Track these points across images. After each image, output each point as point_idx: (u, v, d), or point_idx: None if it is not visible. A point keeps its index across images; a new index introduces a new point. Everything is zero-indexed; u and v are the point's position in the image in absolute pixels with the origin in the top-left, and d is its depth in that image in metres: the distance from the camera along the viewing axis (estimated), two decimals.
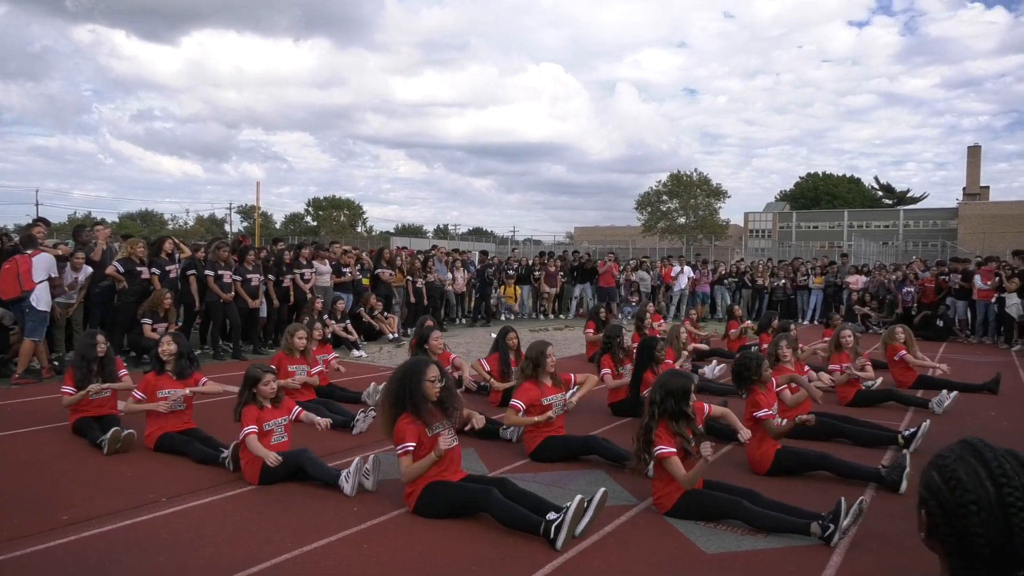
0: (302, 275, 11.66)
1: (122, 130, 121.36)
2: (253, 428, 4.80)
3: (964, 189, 68.46)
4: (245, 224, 65.03)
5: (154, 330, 9.38)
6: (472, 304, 16.54)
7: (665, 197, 60.48)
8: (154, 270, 9.80)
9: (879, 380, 8.39)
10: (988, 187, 70.14)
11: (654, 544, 3.93)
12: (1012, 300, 13.14)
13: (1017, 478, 1.32)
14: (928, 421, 6.02)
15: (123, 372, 6.12)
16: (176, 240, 11.07)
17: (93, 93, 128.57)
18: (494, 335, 8.18)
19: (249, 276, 10.71)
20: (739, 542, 3.96)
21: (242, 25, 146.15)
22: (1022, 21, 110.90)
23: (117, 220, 62.97)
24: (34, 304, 8.06)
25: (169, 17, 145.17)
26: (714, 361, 9.99)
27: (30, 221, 10.12)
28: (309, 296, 11.41)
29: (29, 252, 8.38)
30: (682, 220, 58.99)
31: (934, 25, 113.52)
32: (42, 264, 8.29)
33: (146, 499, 4.47)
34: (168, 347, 5.75)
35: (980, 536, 1.31)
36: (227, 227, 61.96)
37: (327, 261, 12.39)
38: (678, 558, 3.76)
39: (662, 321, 11.77)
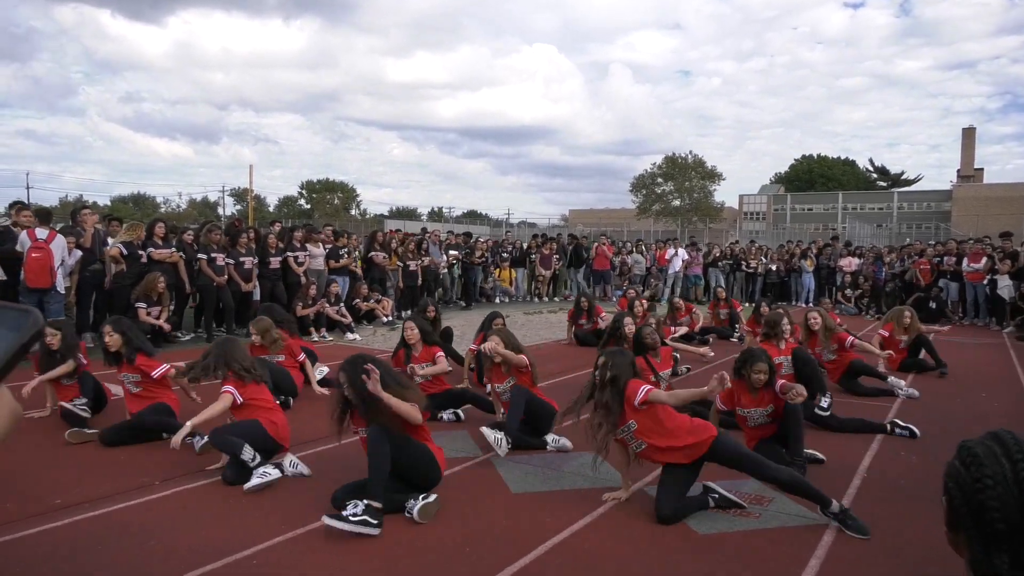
0: (296, 258, 11.61)
1: (111, 112, 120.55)
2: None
3: (958, 171, 68.45)
4: (238, 207, 64.70)
5: (148, 314, 9.35)
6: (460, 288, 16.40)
7: (660, 180, 60.37)
8: (177, 252, 9.96)
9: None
10: (982, 169, 70.22)
11: (646, 526, 3.94)
12: (1004, 282, 13.19)
13: None
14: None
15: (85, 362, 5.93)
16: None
17: (80, 74, 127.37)
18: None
19: (242, 259, 10.67)
20: (731, 523, 3.98)
21: (229, 4, 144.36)
22: (1017, 2, 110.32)
23: (109, 203, 62.61)
24: (58, 288, 8.41)
25: None
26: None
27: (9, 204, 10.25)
28: (303, 280, 11.39)
29: (44, 239, 8.43)
30: (677, 202, 58.95)
31: (928, 7, 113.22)
32: (59, 247, 8.57)
33: (138, 483, 4.47)
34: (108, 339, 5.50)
35: (996, 511, 1.31)
36: (220, 210, 61.62)
37: (320, 244, 12.35)
38: (670, 540, 3.78)
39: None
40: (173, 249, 10.13)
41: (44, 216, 9.25)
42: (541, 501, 4.29)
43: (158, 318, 9.44)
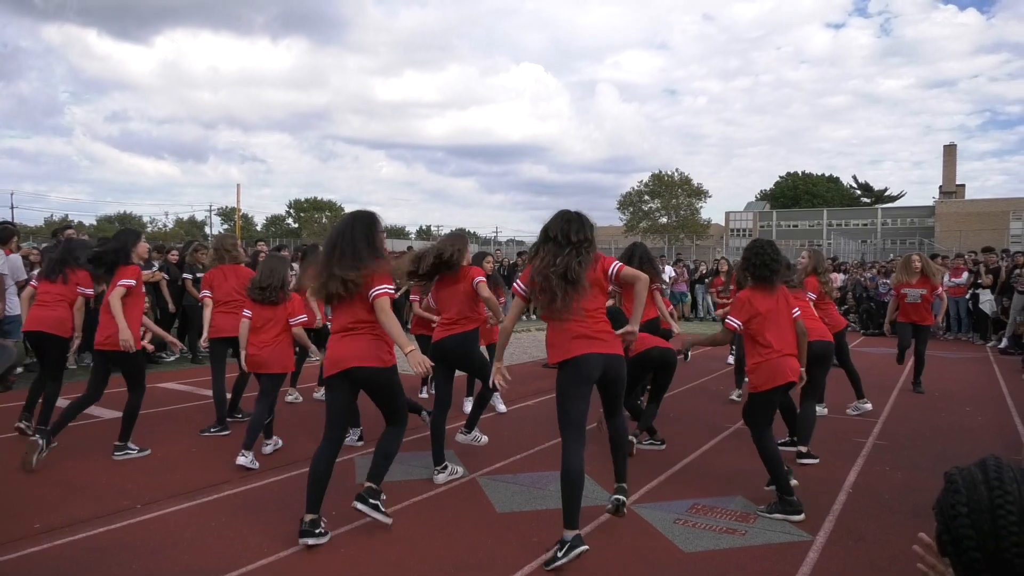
0: None
1: (97, 131, 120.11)
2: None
3: (940, 187, 69.37)
4: (226, 226, 64.51)
5: None
6: None
7: (647, 197, 60.81)
8: (160, 271, 9.77)
9: None
10: (964, 185, 71.22)
11: (632, 544, 3.93)
12: (986, 296, 13.33)
13: (1014, 486, 1.33)
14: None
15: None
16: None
17: (66, 94, 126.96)
18: None
19: None
20: (717, 540, 3.98)
21: (217, 24, 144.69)
22: (994, 23, 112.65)
23: (95, 223, 62.23)
24: (9, 310, 7.88)
25: (141, 16, 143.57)
26: None
27: None
28: None
29: None
30: (664, 220, 59.34)
31: (909, 27, 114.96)
32: (14, 267, 8.14)
33: (120, 505, 4.41)
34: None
35: (970, 539, 1.32)
36: (207, 229, 61.42)
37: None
38: (656, 558, 3.77)
39: None
40: (155, 269, 10.07)
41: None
42: (527, 520, 4.27)
43: (142, 337, 9.34)
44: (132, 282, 5.35)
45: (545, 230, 3.92)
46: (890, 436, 6.31)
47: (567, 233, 3.82)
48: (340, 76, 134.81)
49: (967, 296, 13.90)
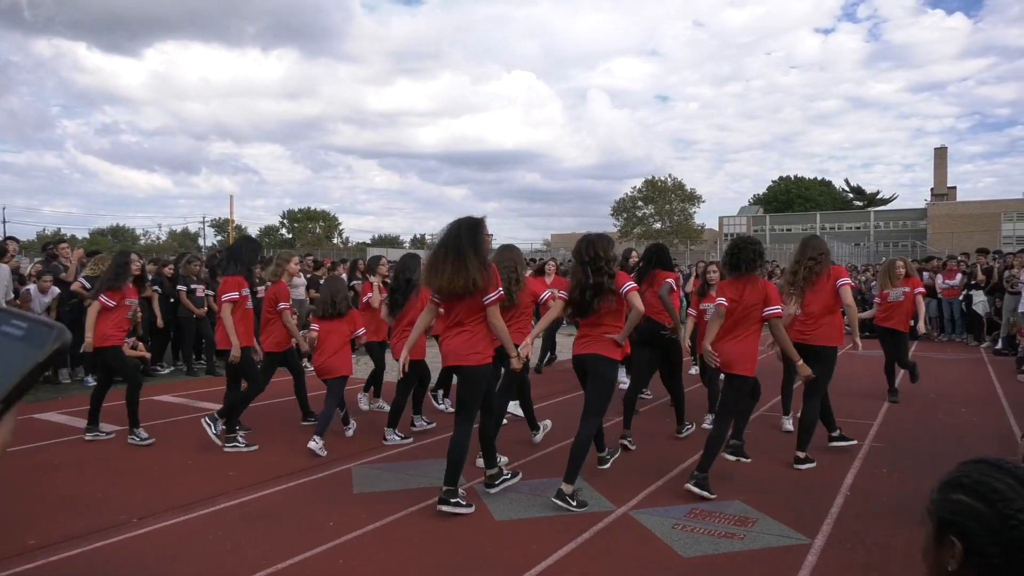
0: None
1: (88, 144, 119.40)
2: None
3: (932, 190, 69.64)
4: (219, 238, 64.39)
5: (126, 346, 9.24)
6: None
7: (640, 203, 60.91)
8: (152, 285, 9.72)
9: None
10: (955, 187, 71.56)
11: (631, 550, 3.93)
12: (979, 297, 13.38)
13: None
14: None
15: None
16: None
17: (57, 107, 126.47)
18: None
19: None
20: (715, 545, 3.98)
21: (208, 35, 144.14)
22: (981, 27, 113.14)
23: (88, 236, 62.07)
24: None
25: (131, 28, 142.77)
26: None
27: None
28: None
29: None
30: (658, 225, 59.42)
31: (898, 31, 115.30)
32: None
33: (116, 519, 4.38)
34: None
35: None
36: (201, 241, 61.30)
37: (302, 273, 12.29)
38: (656, 563, 3.76)
39: None
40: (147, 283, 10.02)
41: None
42: (526, 528, 4.26)
43: (134, 348, 9.34)
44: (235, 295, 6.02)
45: (574, 251, 4.83)
46: (887, 438, 6.32)
47: (579, 252, 4.71)
48: (332, 86, 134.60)
49: (960, 298, 13.95)
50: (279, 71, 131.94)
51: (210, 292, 10.41)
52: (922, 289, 7.97)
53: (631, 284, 4.69)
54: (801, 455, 5.44)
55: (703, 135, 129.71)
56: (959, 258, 15.25)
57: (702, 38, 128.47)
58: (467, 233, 4.40)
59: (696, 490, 4.69)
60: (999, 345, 12.47)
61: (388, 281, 7.19)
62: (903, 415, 7.23)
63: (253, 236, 7.87)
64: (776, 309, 4.86)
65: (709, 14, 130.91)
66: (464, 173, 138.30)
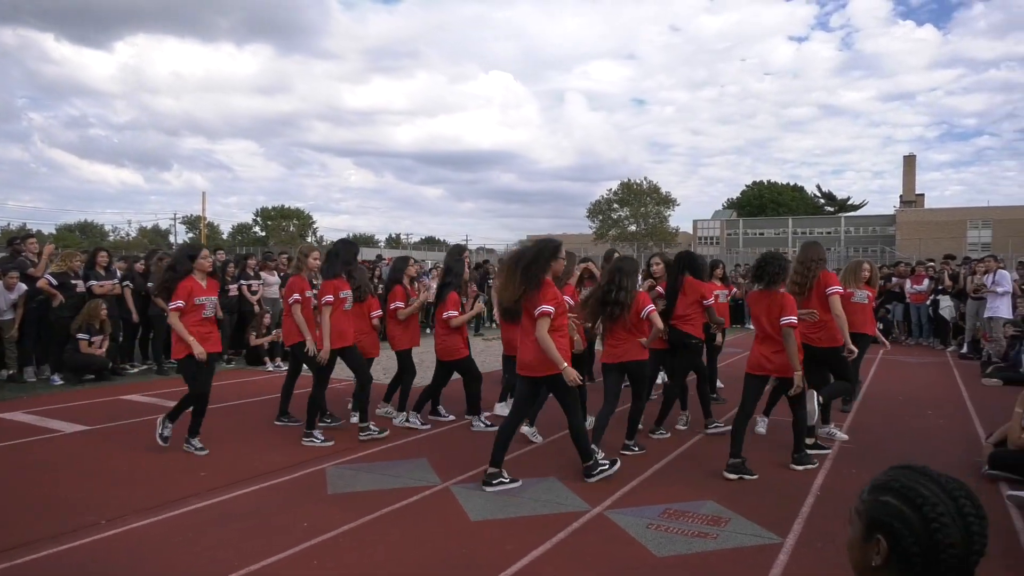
0: (249, 286, 11.42)
1: (56, 138, 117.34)
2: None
3: (901, 197, 71.03)
4: (191, 235, 63.55)
5: (90, 344, 9.08)
6: None
7: (616, 205, 61.29)
8: (121, 282, 9.55)
9: None
10: (923, 195, 73.01)
11: (605, 550, 3.95)
12: (946, 302, 13.65)
13: (961, 491, 1.38)
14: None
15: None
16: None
17: (23, 99, 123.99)
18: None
19: None
20: (689, 545, 4.01)
21: (180, 29, 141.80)
22: (950, 39, 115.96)
23: (55, 232, 60.85)
24: None
25: (101, 20, 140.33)
26: None
27: None
28: (257, 308, 11.20)
29: None
30: (633, 228, 59.84)
31: (869, 41, 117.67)
32: None
33: (84, 521, 4.30)
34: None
35: (951, 548, 1.33)
36: (172, 238, 60.41)
37: (276, 272, 12.17)
38: (629, 564, 3.78)
39: None
40: (116, 281, 9.85)
41: None
42: (501, 528, 4.26)
43: (100, 347, 9.18)
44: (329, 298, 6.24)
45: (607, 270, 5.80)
46: (856, 439, 6.42)
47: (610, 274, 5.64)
48: (307, 82, 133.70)
49: (928, 302, 14.23)
50: (253, 66, 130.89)
51: None
52: (838, 289, 6.48)
53: (651, 307, 5.57)
54: (798, 456, 5.53)
55: (678, 139, 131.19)
56: (927, 263, 15.56)
57: (678, 43, 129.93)
58: (532, 252, 4.93)
59: (799, 468, 5.37)
60: (964, 349, 12.74)
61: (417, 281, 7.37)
62: (871, 418, 7.35)
63: (348, 238, 7.83)
64: (791, 319, 5.22)
65: (686, 19, 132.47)
66: (440, 173, 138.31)
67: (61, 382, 8.95)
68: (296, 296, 6.25)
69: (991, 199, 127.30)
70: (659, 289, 6.70)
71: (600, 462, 5.18)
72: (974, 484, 5.08)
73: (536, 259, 4.83)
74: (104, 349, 9.26)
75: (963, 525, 1.34)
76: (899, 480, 1.42)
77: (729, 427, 5.81)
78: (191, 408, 5.89)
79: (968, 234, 55.83)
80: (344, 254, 6.47)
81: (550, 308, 4.75)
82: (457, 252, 7.06)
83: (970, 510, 1.36)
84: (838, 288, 6.12)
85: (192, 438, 5.87)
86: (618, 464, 5.28)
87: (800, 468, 5.43)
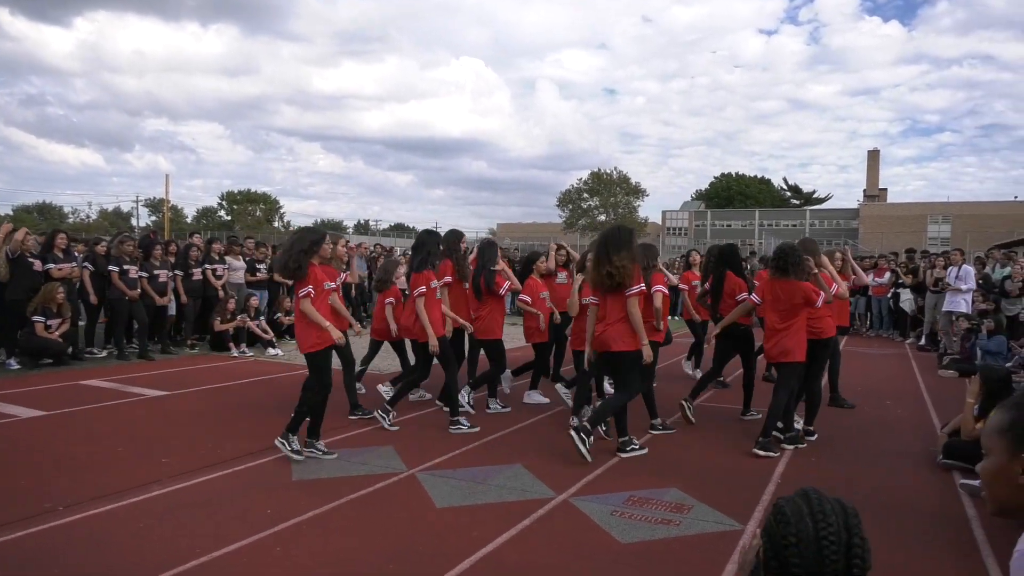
0: (214, 271, 11.23)
1: (11, 116, 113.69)
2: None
3: (864, 191, 72.37)
4: (153, 219, 62.29)
5: (47, 327, 8.87)
6: None
7: (586, 195, 61.51)
8: (80, 265, 9.32)
9: None
10: (886, 189, 74.54)
11: (570, 536, 3.98)
12: (906, 295, 13.97)
13: (835, 518, 1.56)
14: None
15: None
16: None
17: None
18: None
19: (156, 272, 10.25)
20: (652, 531, 4.06)
21: (141, 6, 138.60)
22: (914, 35, 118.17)
23: (12, 213, 59.11)
24: None
25: None
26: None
27: None
28: (221, 294, 11.03)
29: None
30: (602, 217, 60.08)
31: (836, 35, 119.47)
32: None
33: (40, 508, 4.21)
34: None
35: (798, 567, 1.53)
36: (133, 221, 59.12)
37: (241, 257, 11.99)
38: (594, 550, 3.82)
39: None
40: (74, 264, 9.62)
41: None
42: (467, 515, 4.27)
43: (56, 331, 8.96)
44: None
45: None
46: (816, 428, 6.55)
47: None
48: (274, 65, 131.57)
49: (888, 295, 14.54)
50: (218, 47, 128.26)
51: (143, 274, 10.06)
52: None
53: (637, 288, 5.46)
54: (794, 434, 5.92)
55: (648, 130, 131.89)
56: (888, 257, 15.89)
57: (649, 34, 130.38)
58: (613, 235, 5.44)
59: (762, 453, 5.56)
60: (922, 341, 13.05)
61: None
62: (832, 408, 7.50)
63: (433, 229, 7.60)
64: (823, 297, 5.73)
65: (657, 10, 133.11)
66: (410, 159, 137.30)
67: (18, 366, 8.73)
68: (421, 288, 6.13)
69: (951, 194, 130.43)
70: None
71: (633, 442, 5.64)
72: (929, 473, 5.25)
73: (620, 242, 5.35)
74: (60, 332, 9.04)
75: (816, 549, 1.53)
76: (784, 500, 1.65)
77: (763, 413, 6.05)
78: (310, 410, 5.44)
79: (928, 228, 57.12)
80: (430, 244, 6.40)
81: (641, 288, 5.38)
82: (456, 238, 6.90)
83: (827, 534, 1.54)
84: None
85: (316, 440, 5.47)
86: (645, 450, 5.69)
87: (763, 453, 5.53)
